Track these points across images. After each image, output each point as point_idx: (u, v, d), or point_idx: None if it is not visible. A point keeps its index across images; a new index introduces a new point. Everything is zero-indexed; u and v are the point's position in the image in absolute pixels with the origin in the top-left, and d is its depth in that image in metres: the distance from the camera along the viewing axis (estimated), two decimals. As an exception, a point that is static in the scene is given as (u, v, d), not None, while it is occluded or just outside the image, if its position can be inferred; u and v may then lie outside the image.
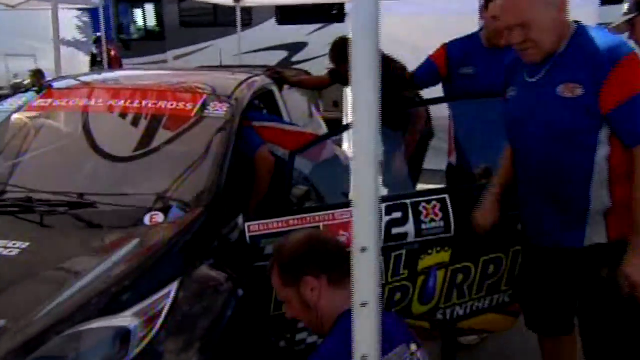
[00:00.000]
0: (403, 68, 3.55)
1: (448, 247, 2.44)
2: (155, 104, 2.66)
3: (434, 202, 2.42)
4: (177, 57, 9.88)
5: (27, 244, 1.89)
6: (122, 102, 2.65)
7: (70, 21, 12.42)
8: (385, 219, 2.37)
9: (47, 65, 12.31)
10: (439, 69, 3.23)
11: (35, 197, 2.11)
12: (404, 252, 2.40)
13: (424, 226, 2.39)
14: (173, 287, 1.78)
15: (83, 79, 3.11)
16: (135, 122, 2.65)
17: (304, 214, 2.33)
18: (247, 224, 2.29)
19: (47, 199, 2.12)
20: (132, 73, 3.31)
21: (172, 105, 2.65)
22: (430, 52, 3.31)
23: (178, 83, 3.02)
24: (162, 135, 2.56)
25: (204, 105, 2.65)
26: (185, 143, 2.57)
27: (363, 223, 0.98)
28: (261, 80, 3.30)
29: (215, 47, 9.45)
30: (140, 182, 2.33)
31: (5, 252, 1.83)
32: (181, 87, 2.91)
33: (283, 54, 9.58)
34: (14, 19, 10.84)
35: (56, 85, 2.94)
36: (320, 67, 9.38)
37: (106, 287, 1.66)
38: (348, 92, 7.30)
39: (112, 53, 7.61)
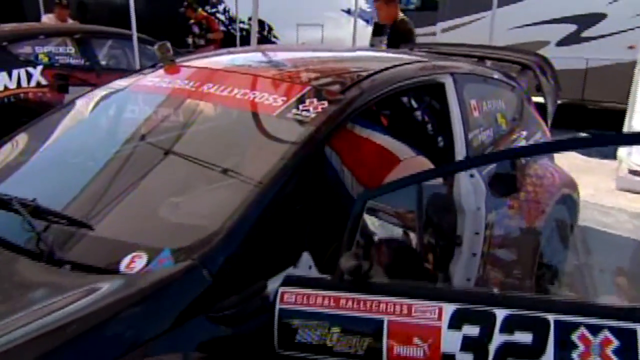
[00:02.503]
0: None
1: (626, 423, 1.25)
2: (244, 94, 2.02)
3: (605, 333, 1.25)
4: (445, 30, 8.97)
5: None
6: (210, 88, 2.07)
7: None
8: (500, 339, 1.31)
9: (333, 35, 12.78)
10: None
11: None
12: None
13: (575, 372, 1.26)
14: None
15: (200, 58, 2.63)
16: (207, 116, 2.05)
17: (364, 295, 1.44)
18: (281, 289, 1.52)
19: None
20: (259, 56, 2.70)
21: (261, 98, 1.98)
22: None
23: (300, 67, 2.30)
24: (219, 139, 1.91)
25: (300, 101, 1.91)
26: (237, 153, 1.88)
27: None
28: (425, 69, 2.36)
29: (488, 20, 8.25)
30: (155, 207, 1.72)
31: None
32: (293, 74, 2.19)
33: (570, 28, 7.84)
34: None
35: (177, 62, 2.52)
36: (620, 46, 7.39)
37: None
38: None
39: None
